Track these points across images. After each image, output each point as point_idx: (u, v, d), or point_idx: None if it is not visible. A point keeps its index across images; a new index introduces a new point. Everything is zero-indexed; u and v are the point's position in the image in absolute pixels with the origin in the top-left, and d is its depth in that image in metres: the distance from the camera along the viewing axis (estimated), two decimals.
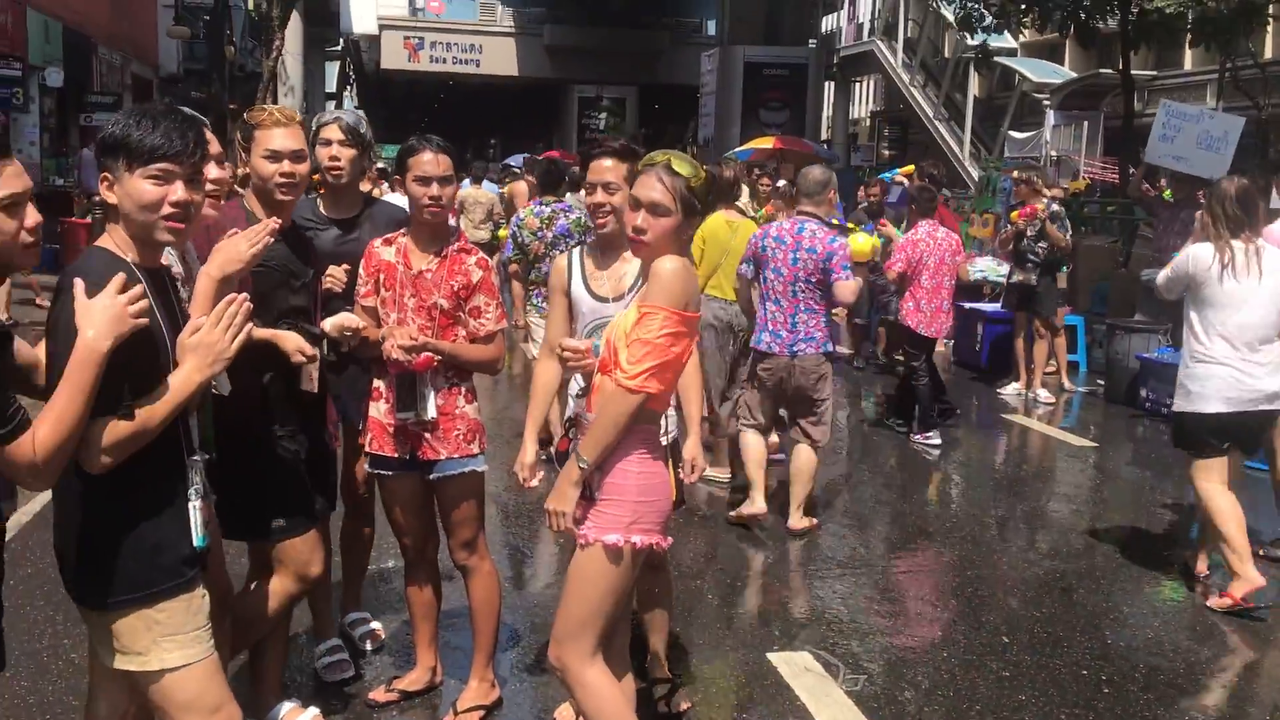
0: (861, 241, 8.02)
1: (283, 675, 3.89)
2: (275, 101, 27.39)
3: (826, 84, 36.22)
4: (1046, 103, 26.11)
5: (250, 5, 34.27)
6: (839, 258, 5.98)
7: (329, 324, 3.60)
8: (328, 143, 4.01)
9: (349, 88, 54.06)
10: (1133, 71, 19.01)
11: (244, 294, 2.61)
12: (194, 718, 2.56)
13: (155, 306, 2.51)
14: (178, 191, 2.49)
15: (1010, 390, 10.48)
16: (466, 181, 14.49)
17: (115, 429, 2.38)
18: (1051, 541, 6.36)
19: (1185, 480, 5.72)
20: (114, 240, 2.54)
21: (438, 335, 3.73)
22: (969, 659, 4.69)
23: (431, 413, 3.73)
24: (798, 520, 6.23)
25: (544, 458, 4.01)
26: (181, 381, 2.48)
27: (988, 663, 4.65)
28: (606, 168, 3.72)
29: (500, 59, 41.48)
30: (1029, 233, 10.03)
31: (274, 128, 3.54)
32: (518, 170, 16.84)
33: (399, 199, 8.05)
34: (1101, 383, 10.77)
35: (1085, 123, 25.39)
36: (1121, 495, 7.50)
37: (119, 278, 2.39)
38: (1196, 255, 5.29)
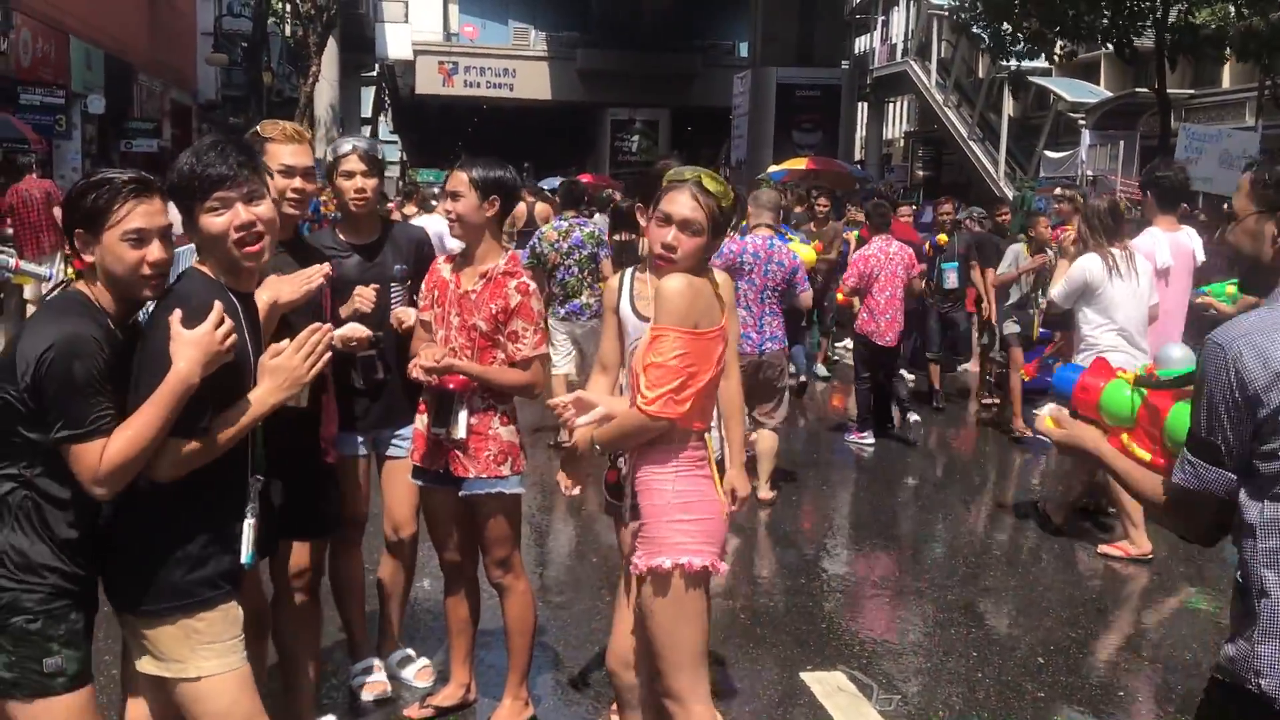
0: (806, 251, 8.75)
1: (318, 690, 3.93)
2: (314, 127, 27.74)
3: (860, 105, 36.22)
4: (1082, 122, 26.00)
5: (287, 32, 34.76)
6: (801, 271, 6.97)
7: (337, 335, 3.60)
8: (351, 174, 4.02)
9: (384, 112, 54.62)
10: (1169, 90, 18.92)
11: (328, 325, 2.73)
12: None
13: (244, 329, 2.62)
14: (240, 215, 2.59)
15: (1046, 410, 10.37)
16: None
17: (189, 445, 2.48)
18: (1087, 562, 6.30)
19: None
20: (208, 268, 2.65)
21: (476, 357, 3.76)
22: (1004, 680, 4.66)
23: (462, 432, 3.74)
24: (765, 492, 7.14)
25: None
26: (257, 402, 2.59)
27: (1023, 684, 4.62)
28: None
29: (533, 83, 41.81)
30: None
31: (286, 143, 3.61)
32: (548, 193, 17.01)
33: (427, 221, 8.30)
34: None
35: (1121, 142, 25.25)
36: None
37: (216, 312, 2.48)
38: (1090, 267, 6.21)
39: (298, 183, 3.62)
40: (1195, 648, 5.08)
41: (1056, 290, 6.42)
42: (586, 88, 41.59)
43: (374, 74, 47.58)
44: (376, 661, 4.34)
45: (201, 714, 2.60)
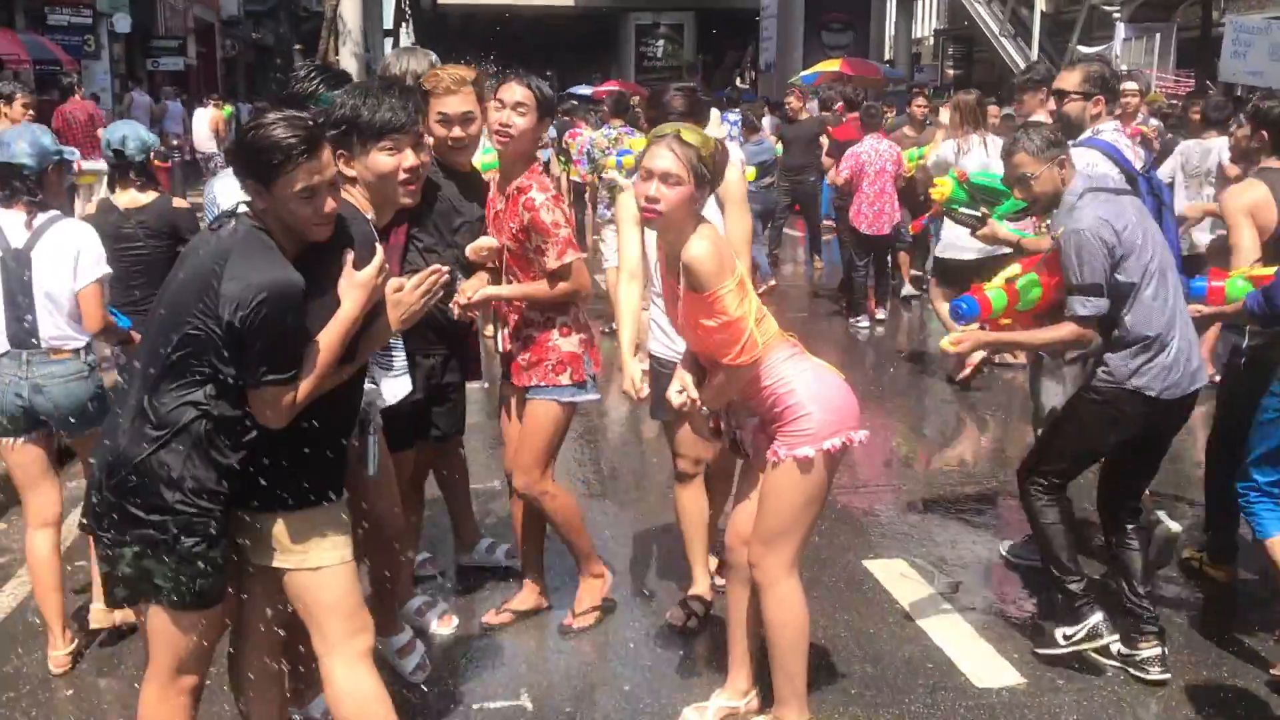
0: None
1: (413, 578, 4.22)
2: (337, 40, 27.44)
3: (888, 2, 35.50)
4: (1117, 15, 25.38)
5: None
6: None
7: (470, 248, 3.76)
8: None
9: (405, 23, 53.95)
10: None
11: (447, 267, 2.90)
12: (335, 619, 2.79)
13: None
14: (409, 158, 2.85)
15: (944, 341, 10.30)
16: None
17: (339, 369, 2.67)
18: None
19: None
20: (356, 194, 2.83)
21: (520, 274, 3.85)
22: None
23: (502, 344, 3.98)
24: None
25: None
26: (380, 330, 2.77)
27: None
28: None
29: None
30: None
31: (445, 95, 3.74)
32: (575, 102, 16.93)
33: None
34: None
35: (1158, 35, 24.67)
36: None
37: (380, 257, 2.68)
38: (945, 148, 7.88)
39: (456, 131, 3.78)
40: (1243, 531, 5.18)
41: (930, 159, 7.99)
42: None
43: None
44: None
45: (315, 602, 2.78)
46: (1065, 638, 3.92)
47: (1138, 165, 4.50)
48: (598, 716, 3.68)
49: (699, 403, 3.34)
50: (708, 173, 3.17)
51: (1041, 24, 28.08)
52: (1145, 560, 3.98)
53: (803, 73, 22.19)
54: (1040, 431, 4.64)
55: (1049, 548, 3.95)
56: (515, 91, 3.79)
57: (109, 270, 3.97)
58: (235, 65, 38.47)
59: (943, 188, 4.86)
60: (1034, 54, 27.28)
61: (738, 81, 38.07)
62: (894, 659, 4.01)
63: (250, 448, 2.64)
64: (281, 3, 31.29)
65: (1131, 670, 3.85)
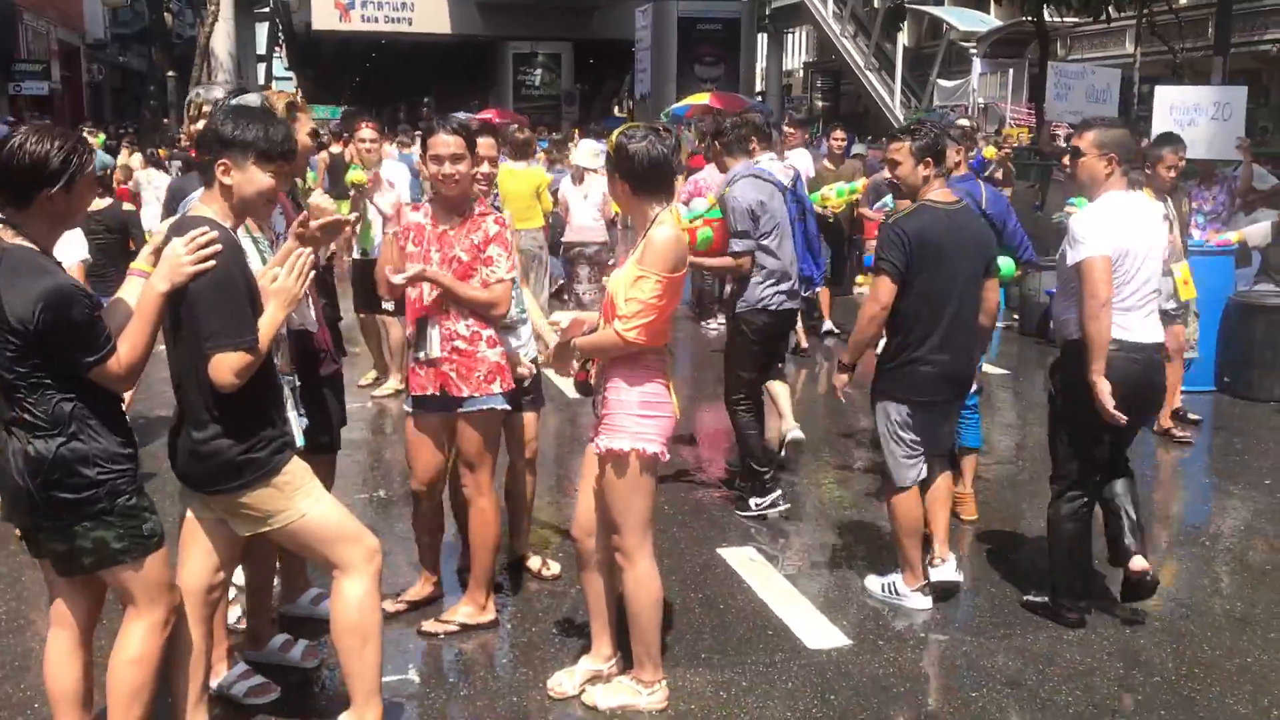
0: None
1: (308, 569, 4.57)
2: (211, 70, 27.33)
3: (760, 36, 36.71)
4: (973, 51, 26.88)
5: None
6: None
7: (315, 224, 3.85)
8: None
9: (278, 49, 53.42)
10: (1054, 19, 19.76)
11: (309, 249, 3.31)
12: (345, 546, 3.31)
13: (245, 263, 3.23)
14: (280, 185, 3.27)
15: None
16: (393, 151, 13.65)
17: (244, 359, 3.07)
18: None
19: None
20: (215, 209, 3.19)
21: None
22: (890, 554, 5.39)
23: (435, 352, 4.22)
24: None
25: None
26: (271, 318, 3.19)
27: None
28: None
29: (432, 17, 41.20)
30: None
31: (295, 112, 4.12)
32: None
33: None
34: (1016, 317, 11.32)
35: (1010, 70, 26.22)
36: (1038, 415, 8.25)
37: (191, 233, 3.05)
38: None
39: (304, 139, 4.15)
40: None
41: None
42: (486, 20, 41.16)
43: (267, 9, 46.50)
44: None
45: (319, 545, 3.31)
46: (756, 504, 5.82)
47: (785, 182, 6.40)
48: (478, 684, 4.11)
49: (567, 334, 3.78)
50: (615, 160, 3.66)
51: (904, 58, 29.48)
52: (762, 437, 5.95)
53: (673, 105, 22.92)
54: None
55: (748, 446, 5.89)
56: (449, 144, 4.14)
57: (89, 257, 5.84)
58: (101, 90, 37.71)
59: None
60: (897, 86, 28.63)
61: (616, 111, 38.83)
62: (738, 628, 4.53)
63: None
64: (152, 27, 30.82)
65: (766, 511, 5.74)
